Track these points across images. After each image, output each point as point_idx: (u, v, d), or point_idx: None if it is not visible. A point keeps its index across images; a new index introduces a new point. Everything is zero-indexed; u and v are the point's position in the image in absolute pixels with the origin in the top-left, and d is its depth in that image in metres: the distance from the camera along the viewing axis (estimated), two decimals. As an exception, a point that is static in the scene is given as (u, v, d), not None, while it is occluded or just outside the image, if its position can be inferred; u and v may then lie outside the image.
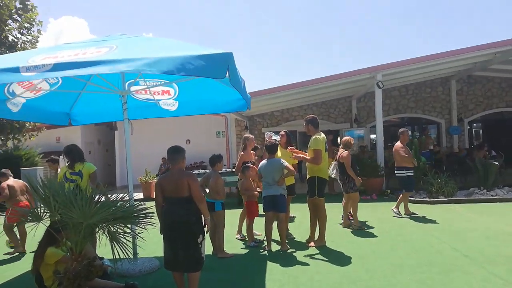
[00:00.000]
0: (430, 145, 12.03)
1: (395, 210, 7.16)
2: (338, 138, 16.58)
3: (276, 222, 5.16)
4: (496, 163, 9.08)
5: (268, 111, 15.20)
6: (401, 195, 7.22)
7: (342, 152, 6.54)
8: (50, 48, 4.25)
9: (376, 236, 5.69)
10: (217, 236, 5.03)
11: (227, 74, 3.37)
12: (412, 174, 7.16)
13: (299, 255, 4.90)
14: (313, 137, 5.31)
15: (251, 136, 6.64)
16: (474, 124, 15.49)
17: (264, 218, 5.25)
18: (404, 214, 7.11)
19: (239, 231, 5.99)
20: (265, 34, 63.49)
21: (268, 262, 4.62)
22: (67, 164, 5.01)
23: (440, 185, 8.47)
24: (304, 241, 5.44)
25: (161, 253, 4.75)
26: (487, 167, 8.83)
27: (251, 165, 5.85)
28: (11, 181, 5.99)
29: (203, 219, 3.59)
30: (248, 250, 5.30)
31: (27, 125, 11.99)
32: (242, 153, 6.52)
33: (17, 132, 11.83)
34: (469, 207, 7.67)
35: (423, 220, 6.71)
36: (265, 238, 5.42)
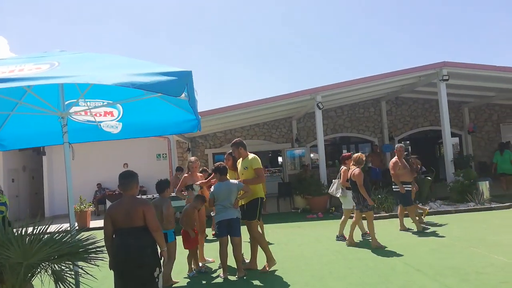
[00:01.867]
0: (368, 163, 12.68)
1: (401, 229, 7.16)
2: (279, 158, 16.95)
3: (232, 247, 4.97)
4: (429, 178, 9.78)
5: (210, 132, 15.04)
6: (399, 210, 7.26)
7: (353, 170, 6.16)
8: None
9: (329, 256, 5.72)
10: (167, 267, 4.68)
11: (185, 93, 3.23)
12: (410, 188, 7.09)
13: (260, 280, 4.74)
14: (252, 156, 5.27)
15: (194, 158, 6.50)
16: (403, 142, 16.69)
17: (218, 243, 5.04)
18: (400, 230, 7.18)
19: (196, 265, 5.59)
20: (199, 56, 63.65)
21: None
22: None
23: (381, 200, 8.88)
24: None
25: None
26: (421, 182, 9.48)
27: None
28: None
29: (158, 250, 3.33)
30: (204, 278, 5.03)
31: None
32: (186, 175, 6.34)
33: None
34: (409, 221, 8.10)
35: (369, 236, 6.92)
36: (219, 266, 5.20)
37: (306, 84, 72.70)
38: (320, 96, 11.07)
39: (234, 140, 5.51)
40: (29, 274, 2.75)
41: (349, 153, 6.93)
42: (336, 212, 9.64)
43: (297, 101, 11.93)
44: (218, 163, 5.43)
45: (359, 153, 6.51)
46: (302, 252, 6.04)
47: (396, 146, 7.46)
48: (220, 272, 5.05)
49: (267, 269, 5.04)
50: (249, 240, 5.38)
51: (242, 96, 73.85)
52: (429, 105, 15.82)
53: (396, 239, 6.53)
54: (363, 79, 11.38)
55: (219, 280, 4.90)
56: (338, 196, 6.64)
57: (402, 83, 12.77)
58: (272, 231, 7.85)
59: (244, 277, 4.86)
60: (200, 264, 5.46)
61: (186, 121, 5.94)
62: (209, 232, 6.98)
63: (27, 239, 2.64)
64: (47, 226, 2.81)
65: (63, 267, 2.89)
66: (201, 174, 6.57)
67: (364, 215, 6.25)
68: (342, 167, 6.74)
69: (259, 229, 5.41)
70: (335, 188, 6.74)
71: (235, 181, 5.10)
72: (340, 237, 6.64)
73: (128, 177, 3.35)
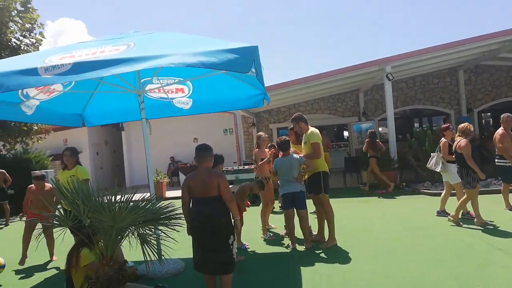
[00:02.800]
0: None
1: (508, 208, 6.49)
2: (345, 132, 16.55)
3: (299, 219, 5.06)
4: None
5: (274, 107, 15.08)
6: (503, 188, 6.61)
7: (459, 141, 5.61)
8: (64, 47, 4.13)
9: (399, 231, 5.57)
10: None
11: (253, 68, 3.27)
12: None
13: (325, 252, 4.79)
14: (309, 131, 5.18)
15: (263, 134, 6.64)
16: (483, 114, 15.31)
17: (283, 215, 5.16)
18: (505, 208, 6.52)
19: (265, 232, 5.88)
20: (267, 30, 63.21)
21: (297, 261, 4.53)
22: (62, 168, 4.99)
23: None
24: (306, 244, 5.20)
25: (184, 255, 4.75)
26: (504, 157, 8.70)
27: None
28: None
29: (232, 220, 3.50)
30: (272, 248, 5.19)
31: (34, 127, 11.91)
32: (256, 149, 6.51)
33: (25, 135, 11.74)
34: (487, 198, 7.55)
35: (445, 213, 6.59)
36: (284, 234, 5.35)
37: (370, 55, 69.10)
38: (390, 66, 10.48)
39: (294, 115, 5.49)
40: (119, 237, 3.06)
41: (447, 124, 6.35)
42: (407, 188, 9.28)
43: (365, 73, 11.44)
44: (279, 138, 5.50)
45: (466, 123, 5.81)
46: (369, 227, 5.95)
47: (502, 116, 6.49)
48: (288, 241, 5.19)
49: (325, 246, 5.03)
50: (314, 214, 5.42)
51: (305, 70, 72.53)
52: (515, 72, 14.25)
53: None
54: (438, 47, 10.53)
55: (287, 249, 5.04)
56: (438, 170, 6.15)
57: (483, 49, 11.60)
58: (338, 206, 7.76)
59: (312, 248, 4.95)
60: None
61: (252, 96, 6.05)
62: (277, 205, 7.13)
63: (116, 205, 2.92)
64: (132, 195, 3.08)
65: (147, 231, 3.18)
66: (267, 150, 6.68)
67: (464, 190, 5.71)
68: (442, 139, 6.16)
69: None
70: (434, 162, 6.20)
71: (297, 156, 5.12)
72: (441, 213, 6.28)
73: (204, 150, 3.53)
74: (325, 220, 5.20)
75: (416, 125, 15.15)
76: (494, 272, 3.73)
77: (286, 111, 15.39)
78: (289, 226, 5.12)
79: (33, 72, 3.01)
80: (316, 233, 5.41)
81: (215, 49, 3.09)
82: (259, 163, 6.21)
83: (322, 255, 4.70)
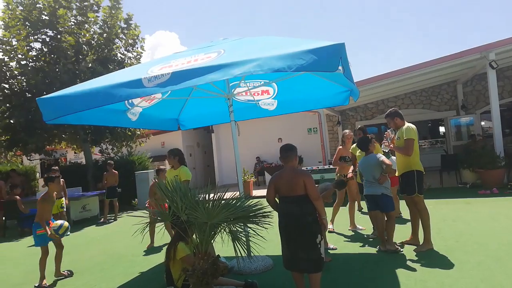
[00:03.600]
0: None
1: None
2: (440, 128, 15.27)
3: (386, 220, 4.87)
4: None
5: (361, 104, 14.58)
6: None
7: None
8: (162, 58, 4.53)
9: (508, 236, 4.98)
10: None
11: (340, 66, 3.22)
12: None
13: (420, 257, 4.51)
14: (405, 126, 4.83)
15: (348, 131, 6.55)
16: None
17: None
18: None
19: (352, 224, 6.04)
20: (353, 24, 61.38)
21: (388, 264, 4.35)
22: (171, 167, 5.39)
23: None
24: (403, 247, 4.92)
25: (272, 252, 4.87)
26: None
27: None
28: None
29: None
30: (360, 249, 5.06)
31: (137, 132, 13.22)
32: (340, 147, 6.42)
33: (130, 139, 13.11)
34: None
35: None
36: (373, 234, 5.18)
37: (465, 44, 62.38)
38: (494, 53, 9.41)
39: (388, 111, 5.22)
40: (212, 232, 3.28)
41: None
42: (516, 187, 8.25)
43: (464, 62, 10.43)
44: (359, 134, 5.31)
45: None
46: (473, 230, 5.42)
47: None
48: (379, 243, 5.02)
49: (420, 250, 4.71)
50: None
51: (395, 63, 68.52)
52: None
53: None
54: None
55: (375, 251, 4.86)
56: None
57: None
58: (434, 207, 7.25)
59: (400, 251, 4.70)
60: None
61: (338, 93, 5.97)
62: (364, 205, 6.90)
63: (209, 203, 3.13)
64: (223, 193, 3.27)
65: (238, 228, 3.35)
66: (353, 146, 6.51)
67: None
68: None
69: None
70: None
71: (376, 155, 4.88)
72: None
73: (288, 150, 3.59)
74: (420, 223, 4.89)
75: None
76: None
77: (373, 108, 14.78)
78: (376, 226, 4.96)
79: (138, 82, 3.37)
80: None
81: (301, 49, 3.12)
82: (334, 160, 6.21)
83: (417, 259, 4.43)
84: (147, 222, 3.50)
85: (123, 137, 12.87)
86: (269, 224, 3.29)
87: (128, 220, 9.69)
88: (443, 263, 4.18)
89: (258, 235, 3.17)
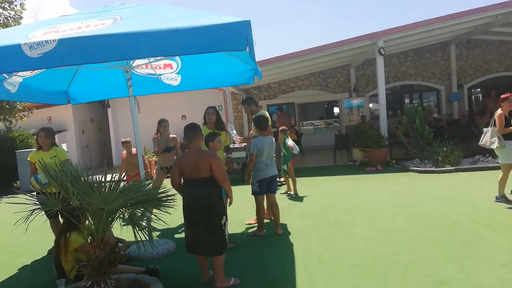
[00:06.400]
0: (434, 113, 11.96)
1: None
2: (335, 109, 16.51)
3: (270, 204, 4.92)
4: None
5: (264, 83, 14.89)
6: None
7: None
8: (47, 21, 3.89)
9: (390, 209, 5.61)
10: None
11: (247, 45, 3.12)
12: None
13: (317, 232, 4.80)
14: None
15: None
16: (473, 90, 15.37)
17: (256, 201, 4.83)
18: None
19: None
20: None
21: (287, 242, 4.52)
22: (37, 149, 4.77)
23: (446, 153, 8.42)
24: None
25: (175, 235, 4.71)
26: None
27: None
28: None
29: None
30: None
31: (17, 105, 11.56)
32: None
33: (8, 113, 11.41)
34: (476, 175, 7.65)
35: (435, 190, 6.66)
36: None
37: (359, 30, 68.34)
38: (383, 40, 10.33)
39: (244, 98, 5.54)
40: (109, 219, 2.99)
41: (508, 94, 5.44)
42: (397, 165, 9.34)
43: (357, 47, 11.27)
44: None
45: None
46: (361, 204, 5.98)
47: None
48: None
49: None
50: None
51: (291, 46, 71.61)
52: (506, 48, 14.24)
53: (461, 194, 6.22)
54: (431, 20, 10.38)
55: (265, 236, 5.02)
56: (494, 148, 5.40)
57: (476, 23, 11.49)
58: (329, 183, 7.84)
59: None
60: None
61: (243, 72, 5.90)
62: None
63: (106, 187, 2.83)
64: (122, 175, 3.00)
65: (138, 213, 3.11)
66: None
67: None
68: (498, 111, 5.41)
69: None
70: (488, 138, 5.43)
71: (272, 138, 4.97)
72: (501, 199, 5.47)
73: (193, 130, 3.43)
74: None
75: (407, 101, 15.18)
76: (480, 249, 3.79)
77: (276, 87, 15.23)
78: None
79: (16, 49, 2.81)
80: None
81: (207, 23, 2.91)
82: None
83: (313, 235, 4.70)
84: (31, 210, 3.04)
85: (-1, 110, 11.14)
86: (172, 208, 3.12)
87: (7, 207, 8.52)
88: (336, 236, 4.52)
89: (160, 220, 3.00)
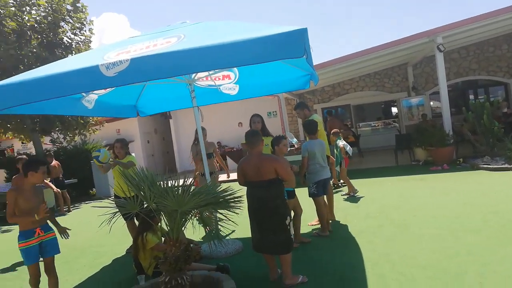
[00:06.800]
0: (503, 108, 11.19)
1: None
2: (393, 109, 15.97)
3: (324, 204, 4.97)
4: None
5: (318, 87, 14.84)
6: None
7: None
8: (118, 43, 4.30)
9: (460, 208, 5.37)
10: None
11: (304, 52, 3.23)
12: None
13: (384, 233, 4.75)
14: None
15: None
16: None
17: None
18: None
19: None
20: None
21: (351, 241, 4.54)
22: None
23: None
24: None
25: (242, 235, 4.91)
26: None
27: None
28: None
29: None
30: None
31: (90, 120, 12.63)
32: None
33: (82, 127, 12.49)
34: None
35: (509, 187, 6.24)
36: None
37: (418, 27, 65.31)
38: (441, 37, 9.90)
39: (297, 103, 5.62)
40: (183, 219, 3.24)
41: None
42: (464, 163, 8.85)
43: (414, 45, 10.88)
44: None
45: None
46: (428, 204, 5.78)
47: None
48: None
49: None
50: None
51: (345, 48, 70.26)
52: None
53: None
54: (493, 13, 9.76)
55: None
56: None
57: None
58: (392, 184, 7.64)
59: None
60: None
61: (299, 77, 6.02)
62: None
63: (179, 190, 3.08)
64: (192, 179, 3.24)
65: (208, 214, 3.34)
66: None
67: None
68: None
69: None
70: None
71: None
72: None
73: (254, 136, 3.61)
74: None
75: (471, 97, 14.29)
76: None
77: (330, 90, 15.11)
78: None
79: (95, 70, 3.16)
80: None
81: (265, 35, 3.06)
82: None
83: (378, 235, 4.65)
84: (113, 212, 3.38)
85: (75, 125, 12.23)
86: (239, 209, 3.30)
87: (87, 211, 9.35)
88: (403, 237, 4.43)
89: (229, 220, 3.19)
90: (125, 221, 5.04)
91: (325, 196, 5.02)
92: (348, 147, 7.13)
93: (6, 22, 10.34)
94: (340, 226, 5.22)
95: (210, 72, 5.64)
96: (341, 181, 7.65)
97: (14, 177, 5.97)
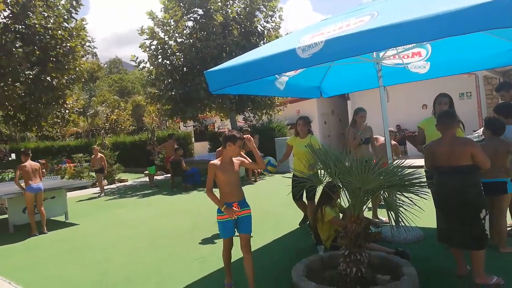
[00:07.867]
0: None
1: None
2: None
3: None
4: None
5: (532, 63, 12.18)
6: None
7: None
8: (310, 27, 4.57)
9: None
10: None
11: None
12: None
13: None
14: None
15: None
16: None
17: None
18: None
19: None
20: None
21: None
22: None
23: None
24: None
25: (424, 224, 4.64)
26: None
27: None
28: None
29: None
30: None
31: (276, 101, 13.83)
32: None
33: (269, 107, 13.81)
34: None
35: None
36: None
37: None
38: None
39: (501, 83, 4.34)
40: (365, 198, 3.31)
41: None
42: None
43: None
44: None
45: None
46: None
47: None
48: None
49: None
50: None
51: None
52: None
53: None
54: None
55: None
56: None
57: None
58: None
59: None
60: None
61: (506, 51, 5.14)
62: None
63: (364, 169, 3.15)
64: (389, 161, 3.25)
65: (393, 196, 3.30)
66: None
67: None
68: None
69: None
70: None
71: None
72: None
73: (449, 117, 3.33)
74: None
75: None
76: None
77: (549, 67, 12.20)
78: None
79: (292, 53, 3.49)
80: None
81: (468, 5, 2.74)
82: None
83: None
84: (299, 183, 3.70)
85: (263, 105, 13.62)
86: (426, 194, 3.14)
87: (269, 183, 10.44)
88: None
89: (415, 204, 3.07)
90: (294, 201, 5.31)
91: None
92: None
93: (216, 16, 12.18)
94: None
95: (399, 49, 5.39)
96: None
97: (217, 150, 7.04)
